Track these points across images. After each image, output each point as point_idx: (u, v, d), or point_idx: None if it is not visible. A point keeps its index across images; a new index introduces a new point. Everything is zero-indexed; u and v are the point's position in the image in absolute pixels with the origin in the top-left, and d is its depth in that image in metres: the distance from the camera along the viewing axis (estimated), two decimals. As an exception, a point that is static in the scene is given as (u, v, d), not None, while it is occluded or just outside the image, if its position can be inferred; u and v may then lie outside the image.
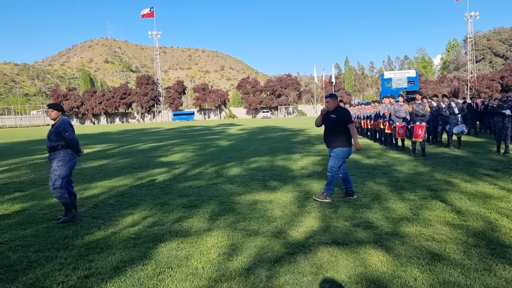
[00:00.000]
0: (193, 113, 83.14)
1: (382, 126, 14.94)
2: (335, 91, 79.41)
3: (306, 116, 76.51)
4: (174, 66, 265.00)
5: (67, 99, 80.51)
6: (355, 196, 6.66)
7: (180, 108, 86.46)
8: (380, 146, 15.02)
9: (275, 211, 5.95)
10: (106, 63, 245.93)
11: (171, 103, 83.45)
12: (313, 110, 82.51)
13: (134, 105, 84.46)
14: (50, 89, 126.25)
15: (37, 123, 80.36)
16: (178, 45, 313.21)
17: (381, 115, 14.96)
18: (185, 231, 5.13)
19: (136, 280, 3.64)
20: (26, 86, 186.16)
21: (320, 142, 17.27)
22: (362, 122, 19.31)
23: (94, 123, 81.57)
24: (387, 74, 52.91)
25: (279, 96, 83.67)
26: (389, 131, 13.91)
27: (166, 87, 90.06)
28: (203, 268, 3.89)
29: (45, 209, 6.62)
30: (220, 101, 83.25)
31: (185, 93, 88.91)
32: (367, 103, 20.01)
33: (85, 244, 4.71)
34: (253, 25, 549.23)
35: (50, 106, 6.13)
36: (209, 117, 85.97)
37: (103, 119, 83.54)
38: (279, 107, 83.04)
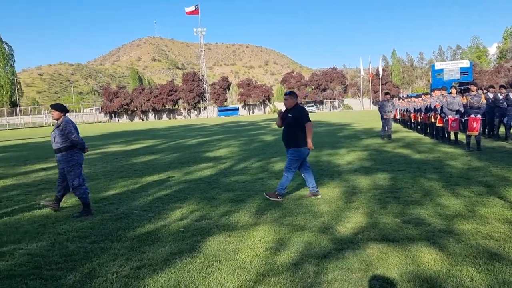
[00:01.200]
0: (237, 109, 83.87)
1: (433, 120, 14.35)
2: (382, 84, 77.29)
3: (353, 110, 75.06)
4: (219, 62, 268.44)
5: (117, 97, 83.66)
6: (320, 196, 6.48)
7: (225, 104, 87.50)
8: (431, 140, 14.46)
9: (322, 207, 5.88)
10: (154, 61, 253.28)
11: (216, 99, 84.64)
12: (360, 104, 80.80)
13: (180, 101, 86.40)
14: (101, 88, 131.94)
15: (90, 120, 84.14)
16: (222, 41, 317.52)
17: (432, 108, 14.37)
18: (232, 225, 5.18)
19: (185, 272, 3.72)
20: (80, 85, 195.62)
21: (367, 137, 16.87)
22: (411, 115, 18.67)
23: (142, 120, 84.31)
24: (438, 65, 50.64)
25: (324, 90, 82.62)
26: (440, 125, 13.34)
27: (211, 83, 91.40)
28: (250, 262, 3.91)
29: (99, 202, 6.92)
30: (265, 96, 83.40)
31: (229, 89, 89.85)
32: (417, 96, 19.29)
33: (137, 236, 4.88)
34: (297, 18, 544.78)
35: (52, 106, 6.16)
36: (253, 112, 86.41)
37: (151, 116, 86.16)
38: (324, 101, 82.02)
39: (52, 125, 5.42)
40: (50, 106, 6.30)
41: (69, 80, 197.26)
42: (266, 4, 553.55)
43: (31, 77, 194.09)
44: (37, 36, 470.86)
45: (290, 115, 6.40)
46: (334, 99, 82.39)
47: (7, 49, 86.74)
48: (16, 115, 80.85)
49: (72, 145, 6.07)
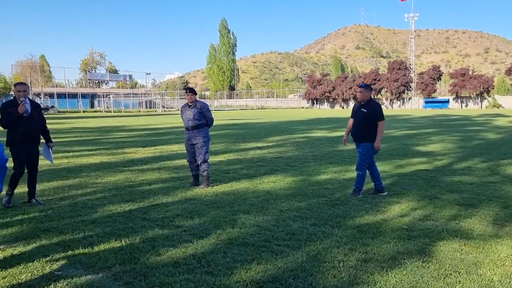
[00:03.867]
0: (447, 101, 76.05)
1: None
2: None
3: None
4: (428, 50, 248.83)
5: (321, 84, 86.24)
6: (385, 193, 6.23)
7: (433, 95, 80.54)
8: None
9: None
10: (357, 49, 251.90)
11: (423, 90, 78.68)
12: None
13: (383, 91, 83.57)
14: (305, 75, 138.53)
15: (293, 105, 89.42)
16: (434, 27, 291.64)
17: None
18: (466, 232, 4.49)
19: (419, 277, 3.33)
20: (286, 72, 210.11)
21: None
22: None
23: (343, 107, 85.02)
24: None
25: None
26: None
27: (419, 72, 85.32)
28: (500, 282, 3.26)
29: (314, 185, 7.04)
30: (483, 88, 73.24)
31: (440, 79, 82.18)
32: None
33: (357, 226, 4.70)
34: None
35: (191, 91, 6.94)
36: (467, 106, 77.08)
37: (351, 104, 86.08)
38: None
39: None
40: (188, 90, 6.98)
41: (277, 67, 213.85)
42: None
43: (246, 64, 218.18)
44: (253, 26, 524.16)
45: (365, 110, 6.11)
46: None
47: (232, 39, 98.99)
48: (233, 98, 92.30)
49: (207, 123, 6.96)
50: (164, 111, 64.23)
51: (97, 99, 72.68)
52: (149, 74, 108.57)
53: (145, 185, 7.09)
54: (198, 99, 7.17)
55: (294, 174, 8.17)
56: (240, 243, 4.17)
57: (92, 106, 72.13)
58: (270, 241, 4.22)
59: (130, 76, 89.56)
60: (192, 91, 6.98)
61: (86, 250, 3.97)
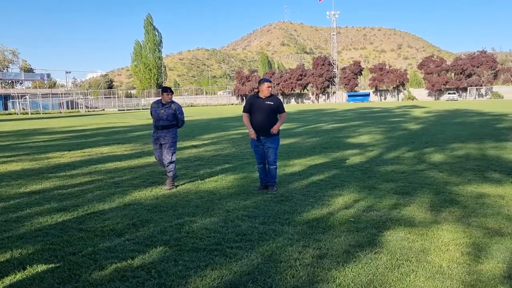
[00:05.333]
0: (368, 94, 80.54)
1: None
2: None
3: (504, 99, 66.29)
4: (348, 46, 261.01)
5: (249, 81, 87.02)
6: (275, 191, 6.19)
7: (355, 89, 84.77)
8: None
9: (514, 209, 4.99)
10: (283, 45, 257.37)
11: (346, 84, 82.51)
12: (512, 92, 70.89)
13: (309, 86, 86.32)
14: (233, 72, 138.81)
15: (223, 102, 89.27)
16: (352, 24, 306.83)
17: None
18: (408, 220, 4.67)
19: (375, 269, 3.37)
20: (214, 69, 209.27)
21: (537, 129, 14.46)
22: None
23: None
24: None
25: (469, 76, 74.32)
26: None
27: (341, 68, 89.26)
28: (448, 267, 3.39)
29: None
30: (399, 82, 78.49)
31: (361, 74, 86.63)
32: None
33: (306, 222, 4.69)
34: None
35: (170, 90, 6.84)
36: (385, 98, 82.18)
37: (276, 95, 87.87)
38: (468, 88, 73.90)
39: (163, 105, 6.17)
40: (166, 89, 6.83)
41: (205, 64, 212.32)
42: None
43: (173, 62, 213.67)
44: (179, 22, 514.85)
45: (271, 103, 6.20)
46: (481, 85, 73.64)
47: (157, 36, 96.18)
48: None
49: (177, 124, 6.85)
50: (88, 111, 60.84)
51: (11, 100, 66.95)
52: (69, 72, 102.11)
53: (77, 192, 6.55)
54: (173, 99, 6.93)
55: (235, 172, 8.05)
56: (190, 248, 3.96)
57: (5, 108, 66.29)
58: (221, 244, 4.06)
59: (48, 75, 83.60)
60: (171, 91, 6.89)
61: (17, 272, 3.52)
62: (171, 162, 6.73)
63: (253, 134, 6.17)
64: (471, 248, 3.78)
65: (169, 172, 6.76)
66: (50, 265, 3.62)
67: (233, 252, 3.83)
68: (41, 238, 4.35)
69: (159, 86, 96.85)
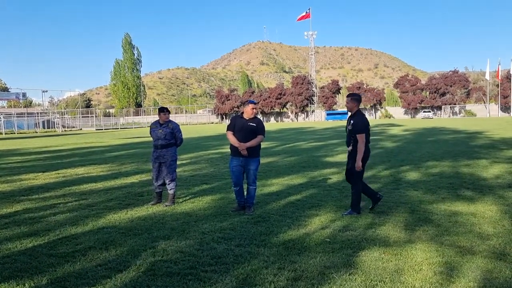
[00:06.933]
0: (346, 113, 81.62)
1: None
2: (512, 88, 68.90)
3: (476, 117, 68.26)
4: (326, 65, 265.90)
5: (229, 99, 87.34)
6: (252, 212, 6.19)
7: (334, 107, 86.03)
8: None
9: (485, 227, 5.10)
10: (262, 65, 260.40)
11: (324, 103, 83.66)
12: (485, 110, 73.10)
13: (288, 104, 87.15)
14: (213, 90, 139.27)
15: (203, 121, 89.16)
16: (330, 44, 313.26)
17: None
18: (383, 239, 4.71)
19: (349, 291, 3.37)
20: (193, 88, 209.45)
21: (509, 147, 14.90)
22: None
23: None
24: None
25: (443, 94, 76.44)
26: None
27: (320, 86, 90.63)
28: (421, 287, 3.42)
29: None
30: (376, 100, 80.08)
31: (340, 93, 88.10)
32: None
33: (282, 243, 4.68)
34: (410, 19, 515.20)
35: (167, 110, 7.15)
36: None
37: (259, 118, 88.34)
38: (443, 106, 75.90)
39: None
40: (163, 109, 7.11)
41: (185, 83, 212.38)
42: (377, 5, 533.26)
43: (153, 80, 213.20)
44: (159, 41, 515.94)
45: (253, 124, 6.29)
46: (455, 104, 75.75)
47: (136, 55, 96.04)
48: (140, 115, 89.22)
49: (176, 142, 7.08)
50: (65, 131, 59.81)
51: (-16, 120, 65.29)
52: (46, 91, 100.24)
53: (49, 215, 6.37)
54: (170, 119, 7.20)
55: (212, 192, 8.00)
56: (163, 273, 3.88)
57: (-22, 128, 64.59)
58: (195, 267, 4.00)
59: (24, 94, 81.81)
60: (167, 110, 7.15)
61: (-19, 300, 3.38)
62: (172, 180, 6.91)
63: (243, 146, 6.15)
64: (444, 268, 3.83)
65: (170, 190, 6.95)
66: (17, 294, 3.49)
67: (208, 276, 3.78)
68: (9, 265, 4.21)
69: (137, 105, 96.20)
